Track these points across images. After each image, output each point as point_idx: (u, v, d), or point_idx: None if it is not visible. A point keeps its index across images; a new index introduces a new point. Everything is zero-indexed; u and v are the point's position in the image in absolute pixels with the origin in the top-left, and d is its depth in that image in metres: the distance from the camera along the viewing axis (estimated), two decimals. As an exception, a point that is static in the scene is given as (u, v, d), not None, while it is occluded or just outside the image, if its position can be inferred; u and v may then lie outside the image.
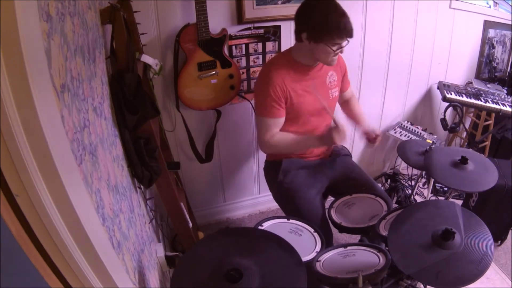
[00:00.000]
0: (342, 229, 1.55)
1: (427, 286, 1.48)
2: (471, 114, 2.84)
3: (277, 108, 1.63)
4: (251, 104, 2.20)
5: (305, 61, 1.66)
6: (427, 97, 2.80)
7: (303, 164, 1.79)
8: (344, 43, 1.55)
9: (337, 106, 1.93)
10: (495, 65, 2.75)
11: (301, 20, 1.57)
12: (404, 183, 2.63)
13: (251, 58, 2.10)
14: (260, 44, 2.08)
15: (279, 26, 2.06)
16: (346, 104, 2.01)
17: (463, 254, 1.09)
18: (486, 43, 2.72)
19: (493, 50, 2.73)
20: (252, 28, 2.02)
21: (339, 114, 2.02)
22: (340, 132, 1.47)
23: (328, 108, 1.63)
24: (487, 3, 2.62)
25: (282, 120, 1.67)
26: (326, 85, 1.74)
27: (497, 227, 2.16)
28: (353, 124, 1.99)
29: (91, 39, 1.04)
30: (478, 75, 2.82)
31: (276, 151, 1.79)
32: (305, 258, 1.24)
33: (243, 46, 2.05)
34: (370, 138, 1.77)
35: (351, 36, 1.53)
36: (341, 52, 1.58)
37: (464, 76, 2.81)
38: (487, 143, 2.75)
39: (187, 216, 1.74)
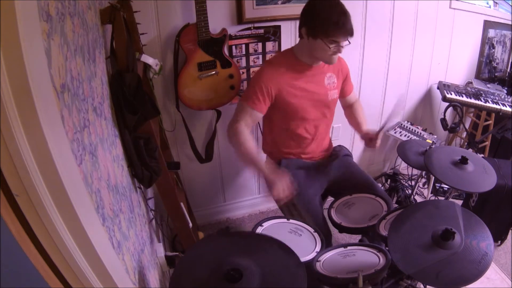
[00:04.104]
0: (342, 229, 1.55)
1: (427, 286, 1.48)
2: (471, 114, 2.84)
3: (259, 101, 1.63)
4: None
5: (305, 59, 1.66)
6: (427, 97, 2.80)
7: (302, 164, 1.79)
8: (344, 42, 1.54)
9: (337, 110, 1.92)
10: (495, 65, 2.76)
11: (303, 15, 1.59)
12: (404, 183, 2.63)
13: (251, 58, 2.10)
14: (260, 44, 2.08)
15: (279, 26, 2.06)
16: (349, 109, 1.97)
17: (463, 254, 1.09)
18: (486, 43, 2.72)
19: (493, 50, 2.73)
20: (252, 28, 2.02)
21: (340, 118, 2.02)
22: (281, 190, 1.46)
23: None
24: (487, 3, 2.62)
25: (259, 115, 1.66)
26: (324, 86, 1.73)
27: (497, 227, 2.16)
28: (354, 129, 1.96)
29: (91, 39, 1.04)
30: (478, 75, 2.82)
31: (232, 143, 1.71)
32: (305, 258, 1.24)
33: (243, 46, 2.05)
34: (371, 138, 1.75)
35: (348, 35, 1.52)
36: (339, 51, 1.57)
37: (464, 76, 2.82)
38: (487, 143, 2.75)
39: (187, 216, 1.74)
